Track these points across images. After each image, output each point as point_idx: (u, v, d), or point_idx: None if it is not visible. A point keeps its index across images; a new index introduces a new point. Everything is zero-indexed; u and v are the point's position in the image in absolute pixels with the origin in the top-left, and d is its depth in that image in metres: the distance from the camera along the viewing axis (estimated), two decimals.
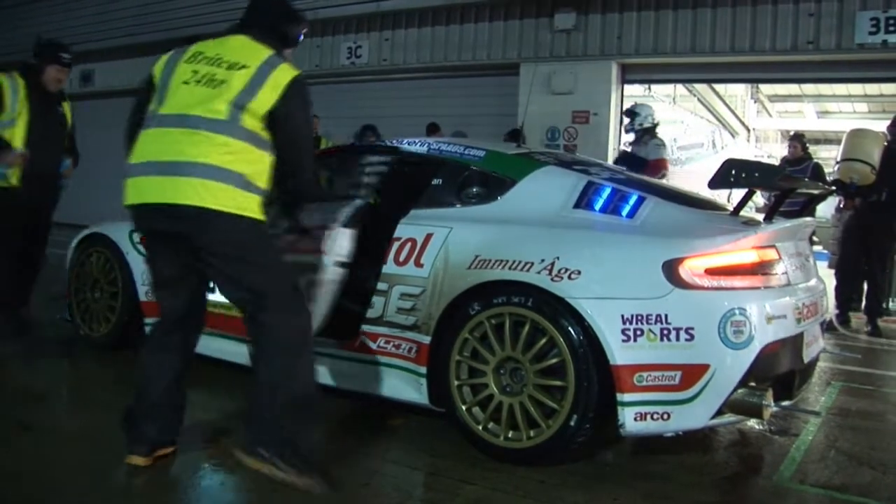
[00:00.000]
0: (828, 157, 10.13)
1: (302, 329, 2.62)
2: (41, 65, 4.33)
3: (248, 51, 2.62)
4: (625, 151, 7.03)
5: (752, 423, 3.34)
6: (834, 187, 5.96)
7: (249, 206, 2.52)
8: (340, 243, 3.37)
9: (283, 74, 2.56)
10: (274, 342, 2.56)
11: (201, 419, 3.20)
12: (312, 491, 2.47)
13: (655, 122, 7.24)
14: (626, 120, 7.29)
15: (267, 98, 2.53)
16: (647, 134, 7.10)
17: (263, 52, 2.61)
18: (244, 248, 2.55)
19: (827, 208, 7.91)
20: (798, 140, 7.40)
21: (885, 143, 6.23)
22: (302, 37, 2.90)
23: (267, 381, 2.55)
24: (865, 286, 6.63)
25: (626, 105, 8.18)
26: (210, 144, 2.47)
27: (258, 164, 2.55)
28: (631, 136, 7.32)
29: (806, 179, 4.90)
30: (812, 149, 16.44)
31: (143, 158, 2.55)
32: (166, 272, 2.68)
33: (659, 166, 6.71)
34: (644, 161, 6.62)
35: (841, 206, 6.81)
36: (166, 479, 2.64)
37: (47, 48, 4.37)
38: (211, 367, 3.72)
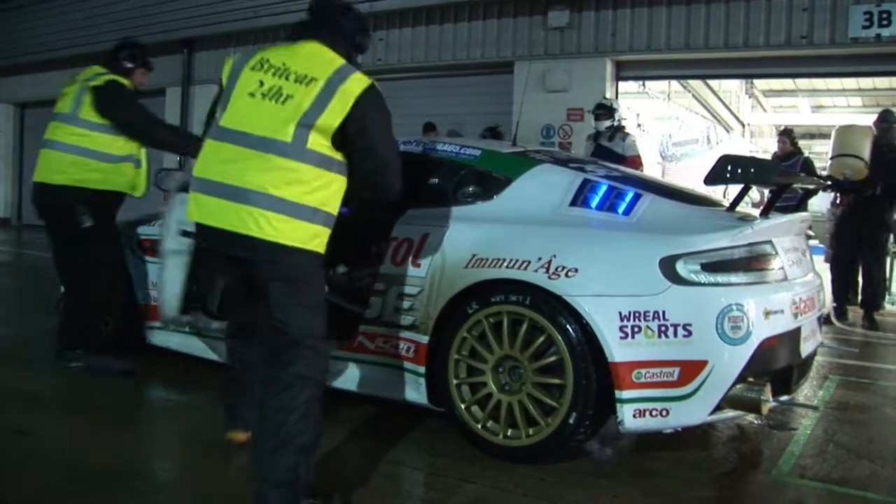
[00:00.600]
0: (821, 152, 10.15)
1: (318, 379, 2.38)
2: (133, 67, 4.23)
3: (319, 60, 2.43)
4: (600, 146, 7.02)
5: (751, 418, 3.34)
6: (829, 182, 5.98)
7: (312, 239, 2.34)
8: (180, 210, 3.32)
9: (355, 85, 2.36)
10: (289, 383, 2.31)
11: None
12: None
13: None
14: (601, 113, 7.24)
15: (336, 113, 2.32)
16: (618, 131, 7.13)
17: (335, 62, 2.43)
18: (299, 283, 2.36)
19: (821, 202, 7.92)
20: (787, 135, 7.42)
21: (874, 138, 6.27)
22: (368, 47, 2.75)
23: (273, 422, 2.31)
24: (860, 280, 6.66)
25: (619, 103, 8.17)
26: (276, 171, 2.28)
27: (327, 189, 2.37)
28: (602, 127, 7.25)
29: (802, 175, 4.91)
30: (807, 143, 16.42)
31: (206, 175, 2.38)
32: (228, 284, 2.70)
33: (636, 162, 6.72)
34: (621, 157, 6.61)
35: (837, 201, 6.83)
36: (162, 479, 2.63)
37: (139, 51, 4.28)
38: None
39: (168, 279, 3.39)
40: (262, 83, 2.38)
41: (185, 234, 3.32)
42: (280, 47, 2.52)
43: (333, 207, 2.41)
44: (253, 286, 2.44)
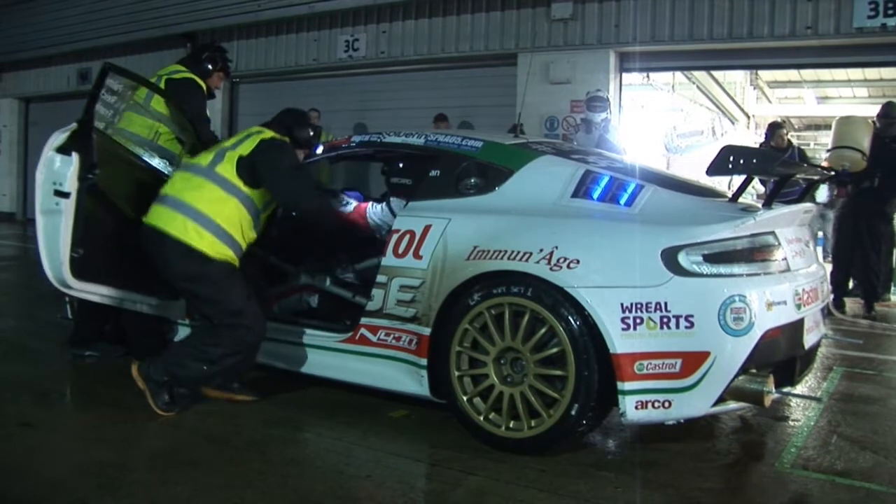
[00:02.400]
0: (826, 143, 10.09)
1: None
2: (213, 70, 4.29)
3: (253, 128, 3.47)
4: (603, 137, 7.02)
5: (754, 409, 3.33)
6: (833, 172, 5.96)
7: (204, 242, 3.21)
8: (55, 169, 3.34)
9: (264, 134, 3.38)
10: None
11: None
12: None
13: None
14: (598, 105, 7.24)
15: (243, 149, 3.30)
16: (606, 124, 7.16)
17: (261, 129, 3.44)
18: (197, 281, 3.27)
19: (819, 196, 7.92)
20: (779, 128, 7.43)
21: (875, 130, 6.25)
22: (318, 147, 3.74)
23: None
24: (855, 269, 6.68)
25: (623, 98, 8.16)
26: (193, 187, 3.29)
27: (226, 207, 3.25)
28: (598, 119, 7.24)
29: (805, 165, 4.88)
30: (812, 134, 16.31)
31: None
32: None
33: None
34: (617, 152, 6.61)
35: (834, 194, 6.84)
36: (165, 472, 2.64)
37: (220, 55, 4.33)
38: None
39: (46, 240, 3.38)
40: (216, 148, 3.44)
41: (59, 193, 3.33)
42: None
43: (228, 225, 3.25)
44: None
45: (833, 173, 5.92)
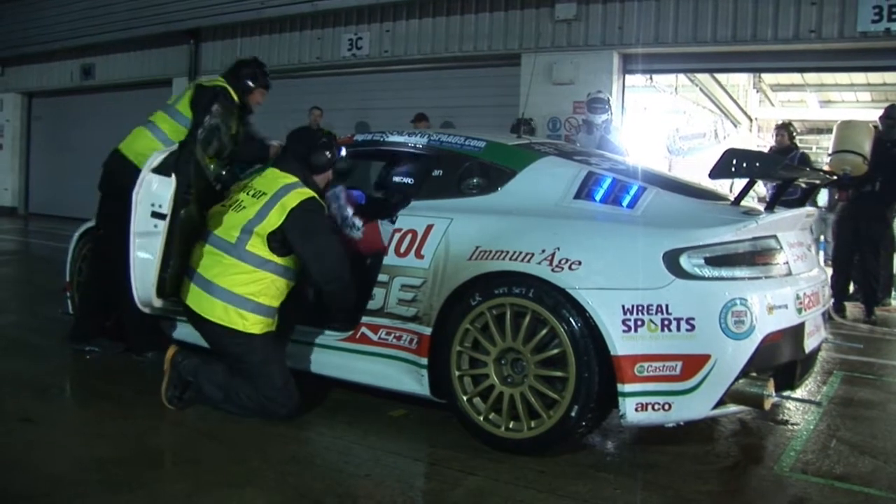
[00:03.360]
0: (829, 147, 10.08)
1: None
2: (254, 87, 4.16)
3: (272, 180, 3.26)
4: (604, 138, 7.03)
5: (754, 413, 3.33)
6: (836, 176, 5.96)
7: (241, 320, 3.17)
8: (153, 190, 3.33)
9: (292, 199, 3.15)
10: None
11: None
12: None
13: None
14: (599, 106, 7.25)
15: (273, 221, 3.13)
16: (607, 125, 7.17)
17: (285, 180, 3.24)
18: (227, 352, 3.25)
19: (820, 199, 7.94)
20: (785, 129, 7.40)
21: (877, 133, 6.26)
22: (341, 151, 3.54)
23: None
24: (855, 274, 6.69)
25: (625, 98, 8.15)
26: (221, 264, 3.20)
27: (260, 283, 3.17)
28: (599, 120, 7.25)
29: (808, 170, 4.88)
30: (814, 138, 16.29)
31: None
32: None
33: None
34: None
35: (836, 198, 6.85)
36: (164, 469, 2.64)
37: (261, 71, 4.20)
38: None
39: (140, 262, 3.38)
40: (238, 200, 3.29)
41: (156, 215, 3.32)
42: (259, 174, 3.41)
43: (267, 298, 3.20)
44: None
45: (835, 177, 5.94)
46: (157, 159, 3.42)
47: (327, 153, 3.40)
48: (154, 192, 3.36)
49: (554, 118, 9.01)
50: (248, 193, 3.27)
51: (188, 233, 3.37)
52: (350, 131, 4.72)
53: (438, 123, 9.04)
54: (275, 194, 3.19)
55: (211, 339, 3.30)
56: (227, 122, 3.82)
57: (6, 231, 12.59)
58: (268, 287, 3.20)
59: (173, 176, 3.34)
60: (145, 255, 3.34)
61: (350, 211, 3.56)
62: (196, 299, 3.24)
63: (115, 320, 4.18)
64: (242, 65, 4.20)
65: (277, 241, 3.15)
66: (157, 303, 3.44)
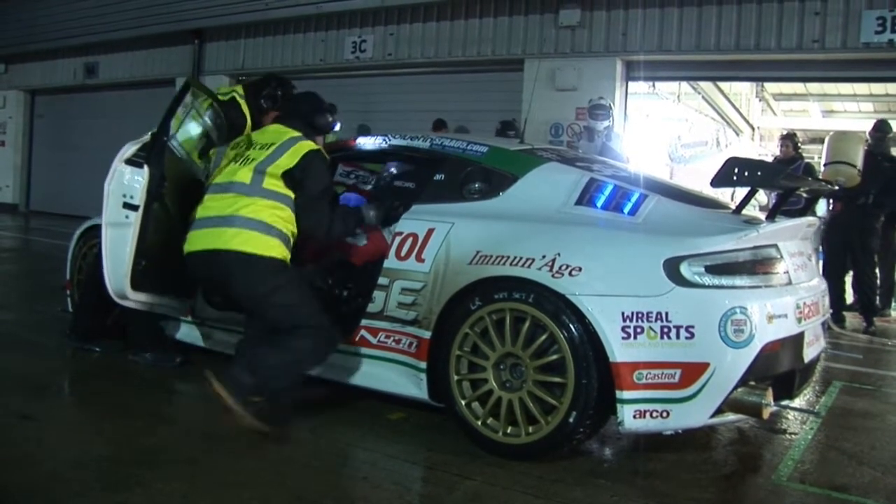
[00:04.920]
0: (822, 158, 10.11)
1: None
2: (267, 110, 3.85)
3: (276, 134, 3.31)
4: (606, 145, 7.05)
5: (752, 422, 3.33)
6: (836, 186, 5.97)
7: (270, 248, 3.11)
8: (124, 181, 3.32)
9: (304, 147, 3.22)
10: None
11: None
12: (255, 428, 2.89)
13: None
14: (601, 113, 7.27)
15: (286, 162, 3.16)
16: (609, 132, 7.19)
17: (288, 134, 3.29)
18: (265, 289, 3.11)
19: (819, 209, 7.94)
20: (790, 139, 7.42)
21: (867, 147, 6.30)
22: (336, 125, 3.64)
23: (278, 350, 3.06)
24: (854, 285, 6.69)
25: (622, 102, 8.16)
26: (239, 202, 3.14)
27: (282, 213, 3.15)
28: (600, 127, 7.27)
29: (809, 179, 4.89)
30: (817, 148, 16.29)
31: (201, 215, 3.24)
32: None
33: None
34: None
35: (830, 208, 6.88)
36: (162, 468, 2.64)
37: (284, 91, 3.92)
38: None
39: (112, 253, 3.37)
40: (236, 154, 3.32)
41: (128, 206, 3.32)
42: (254, 132, 3.46)
43: (288, 231, 3.17)
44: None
45: (836, 188, 5.95)
46: (129, 150, 3.42)
47: (329, 116, 3.47)
48: (126, 183, 3.37)
49: (556, 124, 9.02)
50: (252, 148, 3.28)
51: (162, 226, 3.39)
52: (352, 134, 4.72)
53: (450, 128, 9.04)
54: (285, 142, 3.23)
55: (240, 282, 3.08)
56: (221, 130, 3.78)
57: (7, 228, 12.60)
58: (286, 221, 3.16)
59: (146, 167, 3.34)
60: (117, 245, 3.34)
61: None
62: (215, 238, 3.11)
63: (115, 319, 4.18)
64: (267, 84, 3.94)
65: (291, 181, 3.16)
66: (132, 294, 3.44)
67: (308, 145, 3.25)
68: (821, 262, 7.02)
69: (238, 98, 3.91)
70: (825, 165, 6.31)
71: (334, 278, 3.63)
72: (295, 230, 3.22)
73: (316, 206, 3.24)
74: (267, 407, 2.98)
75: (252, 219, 3.09)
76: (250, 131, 3.58)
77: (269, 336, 3.12)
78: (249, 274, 3.07)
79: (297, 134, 3.30)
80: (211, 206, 3.22)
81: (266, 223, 3.10)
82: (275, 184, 3.16)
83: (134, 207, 3.32)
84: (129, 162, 3.39)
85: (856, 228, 6.44)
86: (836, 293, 6.56)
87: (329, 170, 3.40)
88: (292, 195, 3.18)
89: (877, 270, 6.68)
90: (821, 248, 8.64)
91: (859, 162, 6.07)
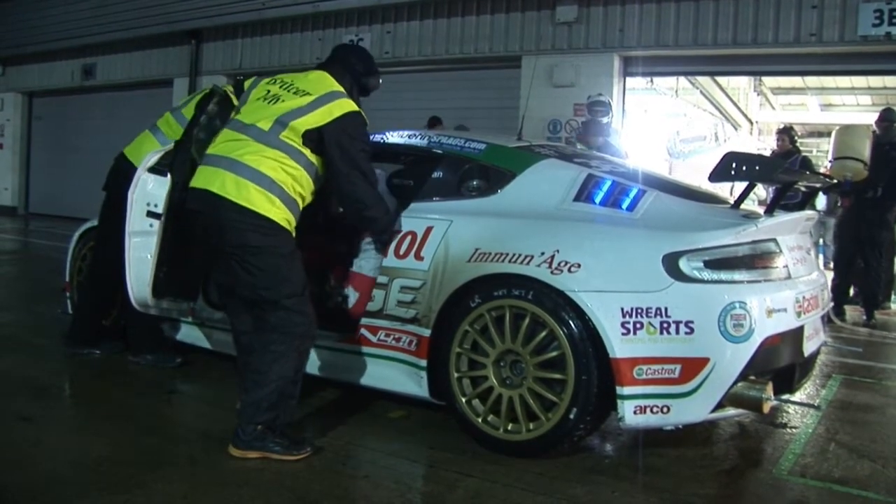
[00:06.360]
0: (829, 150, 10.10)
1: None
2: None
3: (318, 83, 3.00)
4: (607, 142, 7.05)
5: (752, 416, 3.33)
6: (836, 180, 5.96)
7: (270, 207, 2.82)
8: (148, 189, 3.31)
9: (343, 105, 2.94)
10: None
11: None
12: (305, 457, 2.77)
13: None
14: (600, 109, 7.26)
15: (313, 120, 2.88)
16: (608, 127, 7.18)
17: (332, 86, 3.00)
18: (255, 248, 2.81)
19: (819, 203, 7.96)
20: (786, 133, 7.42)
21: (874, 137, 6.27)
22: (376, 87, 3.30)
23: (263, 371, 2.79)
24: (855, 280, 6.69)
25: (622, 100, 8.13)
26: (252, 151, 2.85)
27: (293, 173, 2.86)
28: (603, 121, 7.26)
29: (807, 173, 4.89)
30: (815, 141, 16.30)
31: (212, 152, 2.97)
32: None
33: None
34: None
35: (837, 204, 6.86)
36: (162, 469, 2.64)
37: (378, 80, 3.86)
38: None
39: (135, 261, 3.37)
40: (268, 92, 2.98)
41: (152, 214, 3.31)
42: (298, 73, 3.10)
43: (293, 193, 2.87)
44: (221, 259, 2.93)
45: (836, 181, 5.94)
46: (153, 158, 3.42)
47: (379, 80, 3.26)
48: (149, 192, 3.37)
49: (554, 120, 9.01)
50: (286, 89, 2.96)
51: (181, 233, 3.34)
52: None
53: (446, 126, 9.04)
54: (323, 96, 2.93)
55: (229, 233, 2.79)
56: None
57: (6, 230, 12.59)
58: (296, 180, 2.87)
59: (169, 175, 3.34)
60: (141, 254, 3.34)
61: None
62: (216, 180, 2.82)
63: (114, 320, 4.18)
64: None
65: (313, 140, 2.88)
66: (153, 302, 3.44)
67: (349, 105, 2.95)
68: (821, 257, 7.05)
69: (231, 95, 3.94)
70: (831, 161, 6.29)
71: (335, 280, 3.63)
72: (305, 194, 2.93)
73: (351, 176, 2.95)
74: (286, 430, 2.83)
75: (257, 170, 2.80)
76: None
77: (245, 360, 2.96)
78: (245, 229, 2.78)
79: (339, 89, 3.00)
80: (223, 145, 2.93)
81: (270, 178, 2.80)
82: (292, 139, 2.86)
83: (157, 216, 3.32)
84: (153, 170, 3.38)
85: (864, 222, 6.43)
86: (841, 287, 6.57)
87: (366, 134, 3.05)
88: (310, 155, 2.89)
89: (882, 264, 6.67)
90: (822, 241, 8.67)
91: (866, 156, 6.04)
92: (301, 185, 2.90)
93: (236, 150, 2.85)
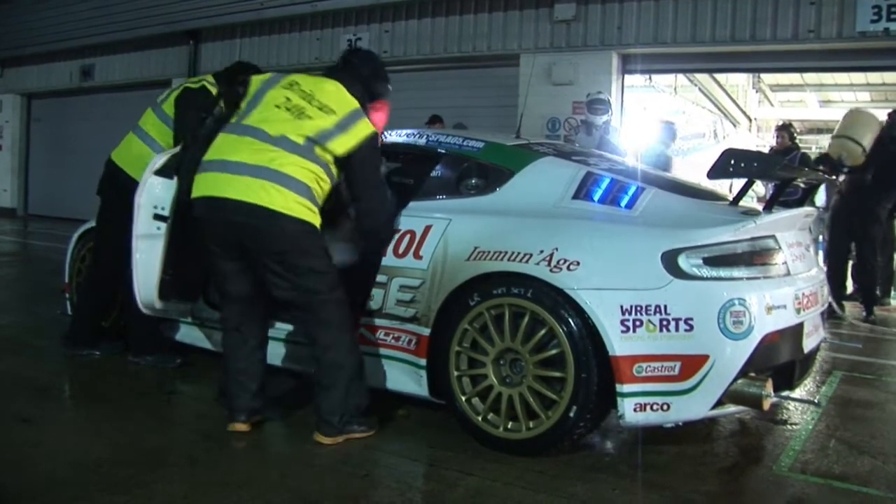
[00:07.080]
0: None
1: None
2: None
3: (337, 98, 2.99)
4: (605, 139, 7.05)
5: (752, 413, 3.33)
6: (834, 176, 5.96)
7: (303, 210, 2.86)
8: (155, 192, 3.31)
9: (363, 129, 2.98)
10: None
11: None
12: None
13: None
14: (600, 107, 7.27)
15: (343, 144, 2.92)
16: (607, 125, 7.19)
17: (351, 104, 3.00)
18: (294, 252, 2.88)
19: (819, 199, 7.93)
20: (785, 130, 7.42)
21: (881, 130, 6.25)
22: (387, 92, 3.27)
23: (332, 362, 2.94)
24: (853, 274, 6.68)
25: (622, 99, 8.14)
26: (282, 159, 2.84)
27: (322, 183, 2.92)
28: (599, 121, 7.27)
29: (806, 169, 4.88)
30: (814, 138, 16.32)
31: (222, 157, 2.90)
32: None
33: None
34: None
35: (838, 189, 6.84)
36: (162, 470, 2.64)
37: (386, 85, 3.81)
38: None
39: (142, 264, 3.36)
40: (288, 99, 2.94)
41: (158, 217, 3.30)
42: (308, 77, 3.08)
43: (319, 197, 2.92)
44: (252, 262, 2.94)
45: (834, 178, 5.93)
46: (159, 161, 3.41)
47: (388, 85, 3.26)
48: (156, 195, 3.36)
49: (553, 118, 9.02)
50: (307, 101, 2.94)
51: (185, 235, 3.34)
52: None
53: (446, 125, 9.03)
54: (347, 116, 2.95)
55: (274, 242, 2.84)
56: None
57: (5, 232, 12.59)
58: (323, 191, 2.95)
59: (175, 178, 3.34)
60: (147, 257, 3.33)
61: None
62: (251, 190, 2.79)
63: (113, 321, 4.18)
64: (240, 70, 3.94)
65: (339, 160, 2.95)
66: (159, 304, 3.44)
67: (367, 128, 3.00)
68: (821, 253, 7.04)
69: (208, 86, 3.93)
70: (833, 137, 6.26)
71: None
72: (324, 196, 2.99)
73: (375, 193, 3.10)
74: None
75: (299, 181, 2.83)
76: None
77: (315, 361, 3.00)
78: (287, 242, 2.85)
79: (357, 106, 3.01)
80: (247, 150, 2.86)
81: (308, 188, 2.86)
82: (327, 158, 2.91)
83: (164, 218, 3.31)
84: (159, 173, 3.37)
85: (857, 215, 6.41)
86: (836, 282, 6.55)
87: (380, 156, 3.20)
88: (333, 168, 2.94)
89: (878, 259, 6.66)
90: (821, 238, 8.67)
91: (866, 142, 6.01)
92: (325, 193, 2.99)
93: (273, 161, 2.82)
